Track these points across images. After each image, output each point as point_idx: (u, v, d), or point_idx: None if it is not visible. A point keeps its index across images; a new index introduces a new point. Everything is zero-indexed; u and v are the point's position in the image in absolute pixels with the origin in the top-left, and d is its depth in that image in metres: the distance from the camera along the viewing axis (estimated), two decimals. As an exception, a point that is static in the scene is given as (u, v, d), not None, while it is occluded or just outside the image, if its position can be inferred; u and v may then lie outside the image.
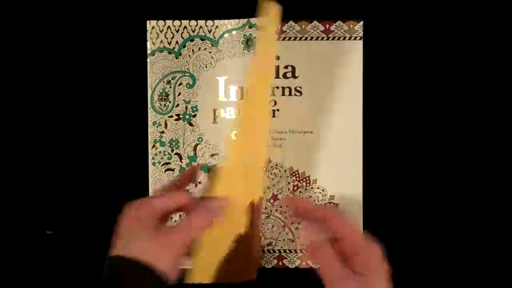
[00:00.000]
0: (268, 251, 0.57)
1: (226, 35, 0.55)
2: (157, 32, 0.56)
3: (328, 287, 0.41)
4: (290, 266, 0.57)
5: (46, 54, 0.57)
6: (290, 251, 0.57)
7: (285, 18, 0.54)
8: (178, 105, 0.56)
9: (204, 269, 0.49)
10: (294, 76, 0.55)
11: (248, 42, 0.55)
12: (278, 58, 0.54)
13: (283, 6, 0.54)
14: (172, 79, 0.56)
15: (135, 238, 0.41)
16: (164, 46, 0.56)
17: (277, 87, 0.55)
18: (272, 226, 0.57)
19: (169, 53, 0.56)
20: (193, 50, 0.56)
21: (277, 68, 0.55)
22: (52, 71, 0.57)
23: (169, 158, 0.57)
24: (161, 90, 0.56)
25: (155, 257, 0.39)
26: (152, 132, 0.56)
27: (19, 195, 0.58)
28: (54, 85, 0.57)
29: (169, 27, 0.56)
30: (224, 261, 0.49)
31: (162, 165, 0.56)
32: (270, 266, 0.57)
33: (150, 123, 0.57)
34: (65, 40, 0.57)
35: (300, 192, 0.56)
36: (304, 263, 0.57)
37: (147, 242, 0.40)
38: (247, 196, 0.47)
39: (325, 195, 0.56)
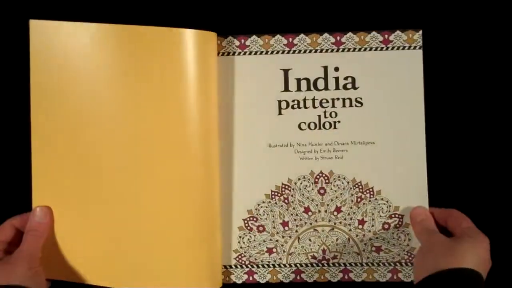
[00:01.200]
0: (334, 264, 0.57)
1: None
2: None
3: (422, 241, 0.52)
4: (356, 279, 0.56)
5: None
6: (355, 264, 0.56)
7: (343, 30, 0.55)
8: None
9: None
10: (354, 87, 0.55)
11: None
12: (337, 69, 0.55)
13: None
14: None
15: None
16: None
17: (338, 99, 0.55)
18: (337, 239, 0.56)
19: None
20: None
21: (337, 79, 0.55)
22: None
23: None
24: None
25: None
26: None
27: (17, 194, 0.58)
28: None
29: None
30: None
31: None
32: (335, 280, 0.57)
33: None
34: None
35: (364, 204, 0.56)
36: (370, 277, 0.56)
37: None
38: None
39: (390, 206, 0.55)
